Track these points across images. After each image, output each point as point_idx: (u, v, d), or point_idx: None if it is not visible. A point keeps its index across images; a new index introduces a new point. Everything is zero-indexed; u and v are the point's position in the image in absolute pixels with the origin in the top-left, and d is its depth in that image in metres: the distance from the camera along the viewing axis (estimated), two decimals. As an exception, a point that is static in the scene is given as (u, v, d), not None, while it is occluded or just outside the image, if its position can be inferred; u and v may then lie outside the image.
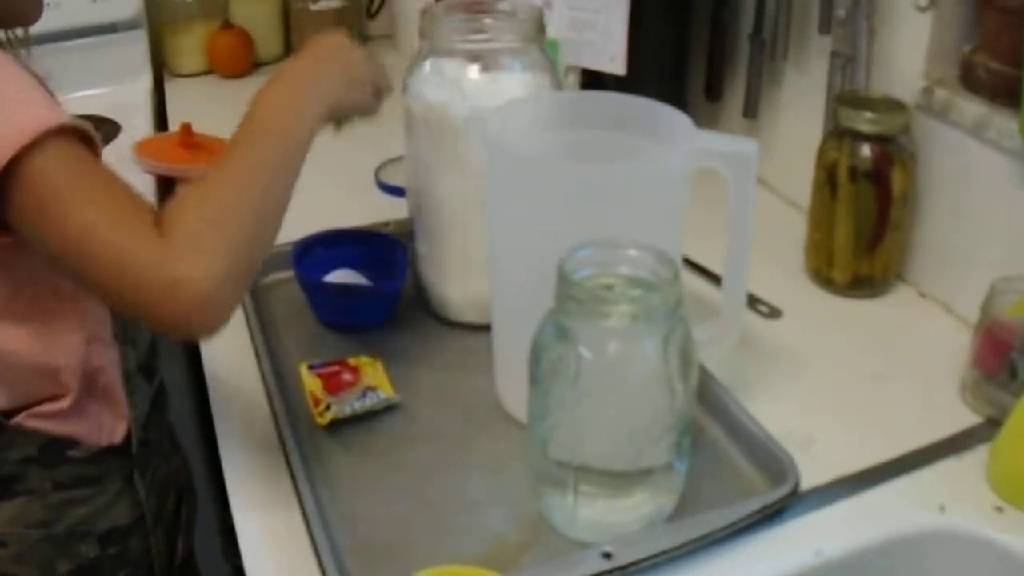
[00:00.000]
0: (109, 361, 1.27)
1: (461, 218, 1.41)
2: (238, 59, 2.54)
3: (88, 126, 1.05)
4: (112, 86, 2.28)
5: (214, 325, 1.05)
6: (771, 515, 1.12)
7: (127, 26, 2.45)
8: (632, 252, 1.05)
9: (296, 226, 1.41)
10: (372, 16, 2.14)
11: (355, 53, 1.28)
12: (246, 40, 2.54)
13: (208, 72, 2.59)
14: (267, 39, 2.60)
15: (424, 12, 1.37)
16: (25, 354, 1.20)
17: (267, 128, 1.14)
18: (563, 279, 1.01)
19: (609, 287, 1.05)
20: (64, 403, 1.23)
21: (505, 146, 1.21)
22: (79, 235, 1.01)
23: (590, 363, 1.01)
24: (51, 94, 1.10)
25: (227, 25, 2.54)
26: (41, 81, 1.13)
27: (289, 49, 2.68)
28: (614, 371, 1.03)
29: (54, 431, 1.23)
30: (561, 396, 1.02)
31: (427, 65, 1.38)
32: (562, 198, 1.16)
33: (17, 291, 1.17)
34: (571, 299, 1.00)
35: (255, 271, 1.10)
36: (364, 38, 2.72)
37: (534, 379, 1.06)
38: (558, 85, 1.44)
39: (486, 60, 1.36)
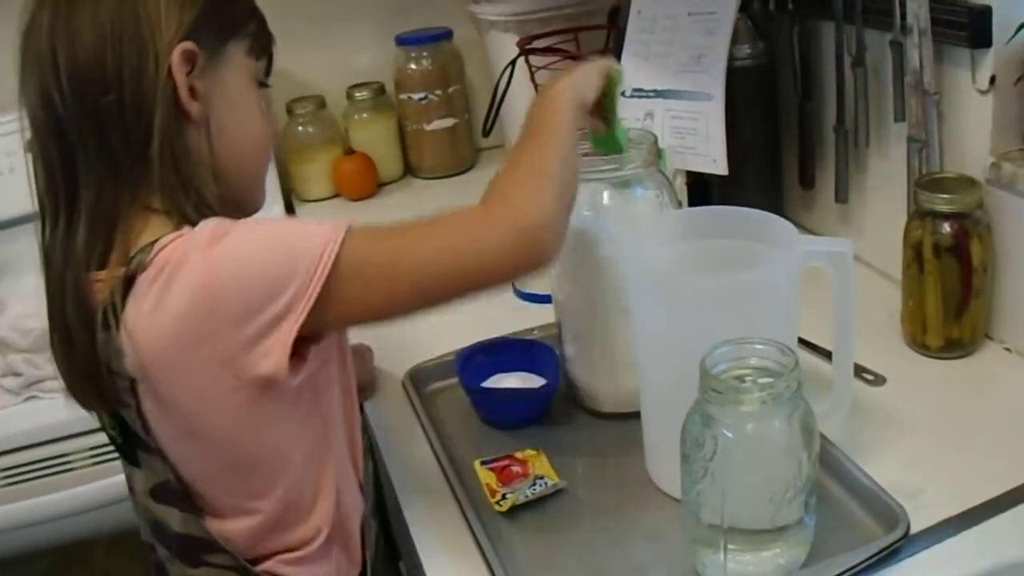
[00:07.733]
0: (354, 508, 1.37)
1: (604, 323, 1.48)
2: (362, 182, 2.65)
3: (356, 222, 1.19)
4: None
5: (556, 248, 1.20)
6: (888, 556, 1.21)
7: (257, 161, 2.58)
8: (758, 346, 1.15)
9: (447, 338, 1.66)
10: (487, 134, 2.30)
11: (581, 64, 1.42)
12: (368, 164, 2.64)
13: (334, 196, 2.67)
14: (387, 160, 2.70)
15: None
16: (293, 488, 1.28)
17: (540, 118, 1.31)
18: (705, 374, 1.12)
19: (741, 378, 1.14)
20: (313, 546, 1.30)
21: (645, 262, 1.32)
22: (426, 261, 1.17)
23: (731, 441, 1.11)
24: None
25: (349, 151, 2.63)
26: None
27: (408, 168, 2.76)
28: (751, 447, 1.13)
29: None
30: (710, 470, 1.13)
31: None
32: (696, 305, 1.27)
33: (305, 425, 1.27)
34: (712, 390, 1.11)
35: (568, 206, 1.23)
36: (477, 151, 2.81)
37: (686, 458, 1.16)
38: (676, 196, 1.51)
39: (616, 185, 1.45)
